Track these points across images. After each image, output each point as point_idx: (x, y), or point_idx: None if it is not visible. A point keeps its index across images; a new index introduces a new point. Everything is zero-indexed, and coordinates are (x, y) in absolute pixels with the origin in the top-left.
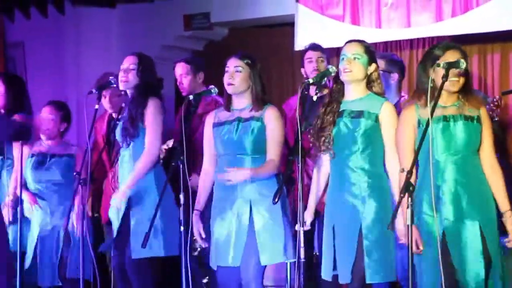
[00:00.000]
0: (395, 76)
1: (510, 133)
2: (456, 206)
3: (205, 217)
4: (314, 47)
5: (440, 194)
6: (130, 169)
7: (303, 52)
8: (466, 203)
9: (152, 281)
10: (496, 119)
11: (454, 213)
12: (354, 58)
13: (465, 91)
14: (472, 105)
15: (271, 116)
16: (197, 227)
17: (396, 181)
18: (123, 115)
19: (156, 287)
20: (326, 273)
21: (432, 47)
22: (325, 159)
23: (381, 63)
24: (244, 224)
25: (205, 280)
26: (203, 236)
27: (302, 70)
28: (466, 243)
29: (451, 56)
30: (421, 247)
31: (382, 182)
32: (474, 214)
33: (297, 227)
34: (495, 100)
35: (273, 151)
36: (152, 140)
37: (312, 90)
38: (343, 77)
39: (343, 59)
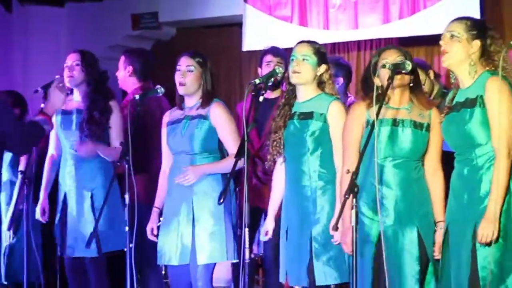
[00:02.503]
0: (339, 80)
1: None
2: (395, 210)
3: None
4: (275, 52)
5: (379, 197)
6: (89, 167)
7: (263, 53)
8: (405, 208)
9: (109, 278)
10: None
11: (392, 217)
12: (303, 60)
13: (416, 92)
14: (424, 105)
15: (216, 114)
16: (151, 224)
17: (338, 181)
18: (67, 110)
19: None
20: (281, 276)
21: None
22: (279, 164)
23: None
24: (188, 223)
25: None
26: (155, 233)
27: (259, 70)
28: (402, 248)
29: (388, 55)
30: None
31: (334, 183)
32: (413, 219)
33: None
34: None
35: (231, 146)
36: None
37: (270, 93)
38: (292, 79)
39: (292, 60)
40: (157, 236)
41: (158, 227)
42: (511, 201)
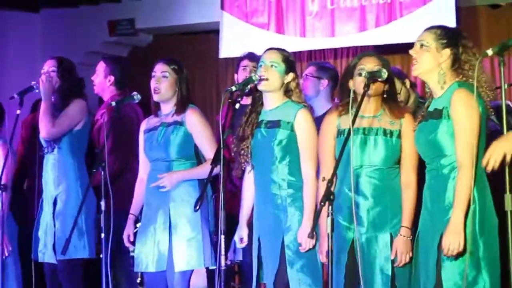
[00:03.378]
0: (324, 82)
1: None
2: (368, 218)
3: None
4: (252, 57)
5: (353, 205)
6: (55, 172)
7: (240, 59)
8: (378, 216)
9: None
10: None
11: (365, 225)
12: (271, 66)
13: (389, 101)
14: (395, 115)
15: (192, 119)
16: (127, 231)
17: (308, 188)
18: None
19: None
20: (254, 283)
21: (352, 60)
22: (248, 171)
23: (312, 69)
24: (165, 230)
25: (138, 280)
26: (131, 239)
27: (236, 76)
28: (375, 254)
29: (367, 62)
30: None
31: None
32: (386, 227)
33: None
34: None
35: (208, 151)
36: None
37: (245, 99)
38: (259, 85)
39: (260, 65)
40: (133, 243)
41: (135, 234)
42: (476, 211)
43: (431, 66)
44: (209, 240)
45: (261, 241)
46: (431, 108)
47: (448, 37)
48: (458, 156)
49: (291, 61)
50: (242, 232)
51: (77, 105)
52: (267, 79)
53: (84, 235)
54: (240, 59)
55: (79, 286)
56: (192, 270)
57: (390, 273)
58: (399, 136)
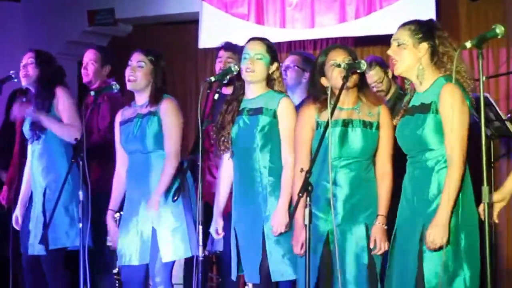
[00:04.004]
0: (307, 75)
1: None
2: (344, 209)
3: None
4: (227, 47)
5: (330, 196)
6: (43, 163)
7: (217, 49)
8: (353, 208)
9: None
10: None
11: (341, 216)
12: (257, 58)
13: (364, 90)
14: (371, 102)
15: (165, 109)
16: (110, 227)
17: (286, 173)
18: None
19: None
20: (233, 273)
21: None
22: (226, 159)
23: (298, 59)
24: (147, 221)
25: (115, 271)
26: (116, 238)
27: (215, 66)
28: (351, 244)
29: (337, 55)
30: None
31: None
32: (360, 219)
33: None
34: None
35: (168, 146)
36: (73, 122)
37: (225, 89)
38: (246, 76)
39: (245, 58)
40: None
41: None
42: (460, 204)
43: (411, 62)
44: (194, 228)
45: (238, 231)
46: (415, 102)
47: (423, 31)
48: (449, 151)
49: (274, 50)
50: (217, 223)
51: (64, 93)
52: (253, 71)
53: (76, 224)
54: (217, 49)
55: (64, 275)
56: (174, 261)
57: (366, 261)
58: (377, 127)
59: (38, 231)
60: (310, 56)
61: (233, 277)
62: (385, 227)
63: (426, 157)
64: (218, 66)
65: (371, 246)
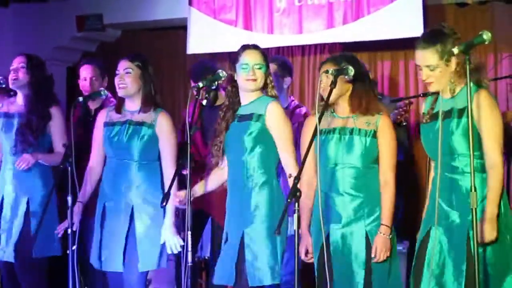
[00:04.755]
0: (288, 80)
1: (416, 138)
2: (344, 215)
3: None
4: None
5: (330, 203)
6: (26, 174)
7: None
8: (353, 213)
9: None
10: (405, 123)
11: (342, 221)
12: (257, 68)
13: (362, 98)
14: (369, 112)
15: (163, 124)
16: (75, 217)
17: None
18: (9, 113)
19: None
20: (216, 278)
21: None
22: (221, 168)
23: (273, 66)
24: (123, 230)
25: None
26: (75, 228)
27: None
28: (350, 249)
29: (327, 66)
30: (309, 255)
31: (272, 184)
32: (361, 224)
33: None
34: (403, 105)
35: (168, 159)
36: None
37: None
38: (248, 86)
39: (245, 69)
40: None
41: (81, 222)
42: (504, 204)
43: (446, 79)
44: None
45: (229, 235)
46: (444, 108)
47: (447, 44)
48: (490, 155)
49: (267, 56)
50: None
51: (60, 114)
52: (255, 80)
53: (52, 233)
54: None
55: (42, 284)
56: (147, 271)
57: (364, 267)
58: (374, 135)
59: (9, 237)
60: (285, 60)
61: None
62: (388, 237)
63: (460, 161)
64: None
65: (372, 255)
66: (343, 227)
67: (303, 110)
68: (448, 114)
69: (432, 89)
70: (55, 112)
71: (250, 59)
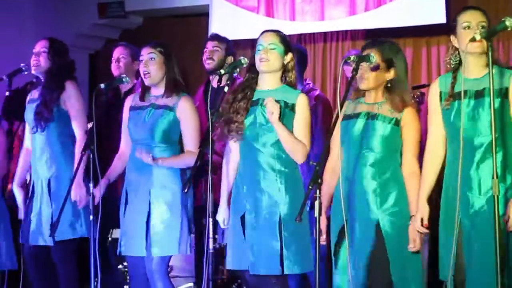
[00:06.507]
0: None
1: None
2: (360, 202)
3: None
4: (211, 36)
5: (352, 190)
6: (47, 154)
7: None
8: (372, 202)
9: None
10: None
11: (357, 210)
12: (271, 48)
13: (389, 90)
14: (394, 106)
15: (184, 108)
16: (97, 190)
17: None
18: (32, 98)
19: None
20: (234, 263)
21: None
22: (234, 148)
23: None
24: (143, 215)
25: (120, 266)
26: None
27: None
28: (360, 238)
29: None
30: (323, 236)
31: (296, 172)
32: (376, 213)
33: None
34: (415, 96)
35: (190, 142)
36: (81, 124)
37: (214, 81)
38: (260, 67)
39: (259, 49)
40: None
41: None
42: None
43: (485, 48)
44: (188, 227)
45: (249, 220)
46: (472, 87)
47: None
48: None
49: (288, 41)
50: (225, 213)
51: (75, 89)
52: (267, 60)
53: (81, 215)
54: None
55: (74, 267)
56: (170, 256)
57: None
58: (396, 123)
59: (40, 222)
60: (297, 45)
61: (233, 266)
62: (418, 227)
63: (480, 141)
64: (205, 56)
65: (409, 246)
66: (359, 216)
67: (315, 93)
68: (479, 93)
69: (478, 49)
70: (70, 87)
71: (264, 40)
